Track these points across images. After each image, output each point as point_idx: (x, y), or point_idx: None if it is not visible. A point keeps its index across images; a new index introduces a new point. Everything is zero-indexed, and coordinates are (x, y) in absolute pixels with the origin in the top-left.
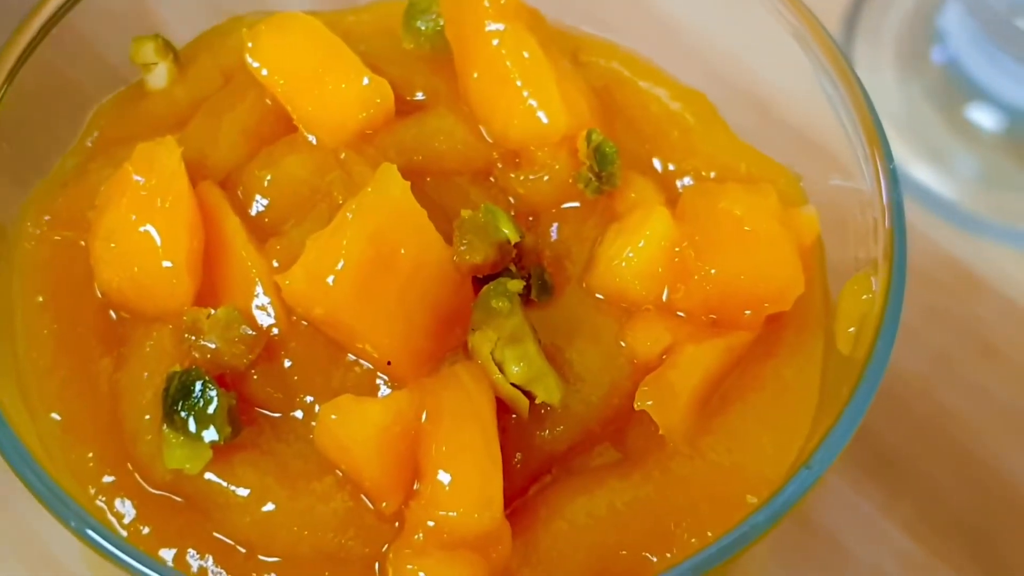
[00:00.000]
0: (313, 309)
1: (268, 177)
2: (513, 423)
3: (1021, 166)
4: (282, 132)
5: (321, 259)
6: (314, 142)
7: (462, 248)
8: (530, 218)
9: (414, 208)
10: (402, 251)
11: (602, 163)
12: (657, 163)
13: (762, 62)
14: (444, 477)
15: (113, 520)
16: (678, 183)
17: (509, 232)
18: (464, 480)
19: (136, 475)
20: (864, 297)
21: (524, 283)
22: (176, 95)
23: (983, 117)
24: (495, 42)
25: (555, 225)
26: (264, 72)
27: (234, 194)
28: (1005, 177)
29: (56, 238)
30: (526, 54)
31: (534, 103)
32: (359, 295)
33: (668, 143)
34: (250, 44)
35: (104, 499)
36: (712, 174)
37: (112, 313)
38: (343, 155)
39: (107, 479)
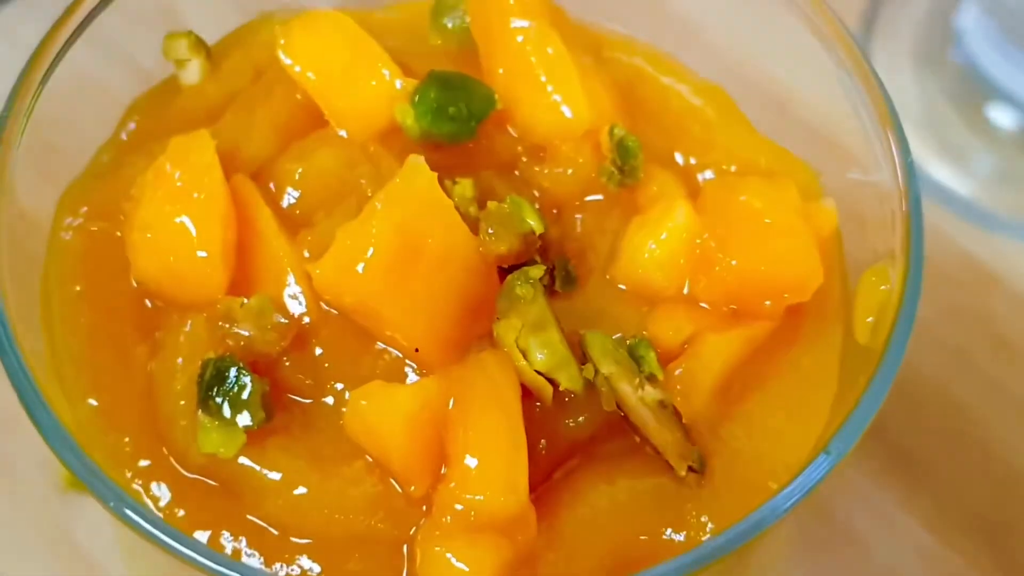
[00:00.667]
0: (343, 297)
1: (299, 170)
2: (538, 410)
3: None
4: (312, 126)
5: (350, 248)
6: (344, 136)
7: (488, 238)
8: (554, 210)
9: (441, 199)
10: (429, 241)
11: (624, 157)
12: (679, 157)
13: (781, 57)
14: (471, 462)
15: (149, 503)
16: (699, 177)
17: (534, 223)
18: (490, 465)
19: (171, 459)
20: (882, 288)
21: (545, 269)
22: (209, 91)
23: (1000, 116)
24: (520, 39)
25: (579, 217)
26: (296, 68)
27: (266, 187)
28: (1021, 175)
29: (93, 229)
30: (550, 50)
31: (558, 98)
32: (387, 283)
33: (689, 137)
34: (283, 41)
35: (140, 483)
36: (733, 168)
37: (147, 302)
38: (372, 149)
39: (143, 463)
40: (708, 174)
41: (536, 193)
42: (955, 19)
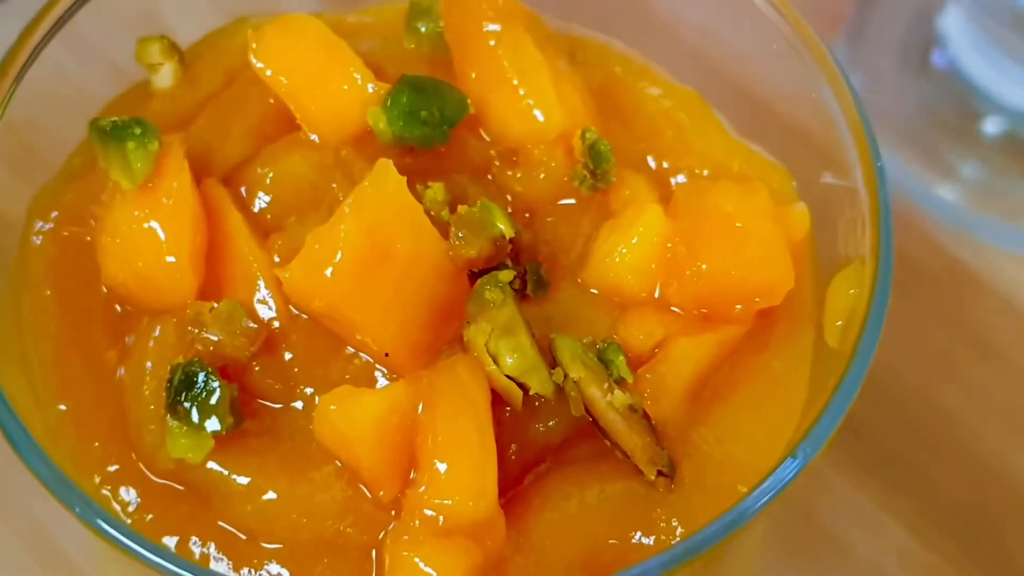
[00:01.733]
0: (312, 302)
1: (271, 174)
2: (508, 415)
3: (1020, 169)
4: (284, 131)
5: (319, 253)
6: (316, 140)
7: (458, 242)
8: (527, 215)
9: (410, 203)
10: (399, 245)
11: (597, 161)
12: (651, 161)
13: (755, 63)
14: (440, 466)
15: (117, 508)
16: (672, 181)
17: (504, 227)
18: (459, 470)
19: (140, 464)
20: (851, 292)
21: (515, 274)
22: (181, 94)
23: (983, 120)
24: (492, 43)
25: (551, 221)
26: (268, 72)
27: (237, 191)
28: (1005, 179)
29: (64, 234)
30: (523, 54)
31: (531, 102)
32: (357, 288)
33: (662, 141)
34: (255, 45)
35: (109, 488)
36: (705, 172)
37: (117, 307)
38: (344, 153)
39: (112, 468)
40: (681, 178)
41: (509, 197)
42: (938, 23)
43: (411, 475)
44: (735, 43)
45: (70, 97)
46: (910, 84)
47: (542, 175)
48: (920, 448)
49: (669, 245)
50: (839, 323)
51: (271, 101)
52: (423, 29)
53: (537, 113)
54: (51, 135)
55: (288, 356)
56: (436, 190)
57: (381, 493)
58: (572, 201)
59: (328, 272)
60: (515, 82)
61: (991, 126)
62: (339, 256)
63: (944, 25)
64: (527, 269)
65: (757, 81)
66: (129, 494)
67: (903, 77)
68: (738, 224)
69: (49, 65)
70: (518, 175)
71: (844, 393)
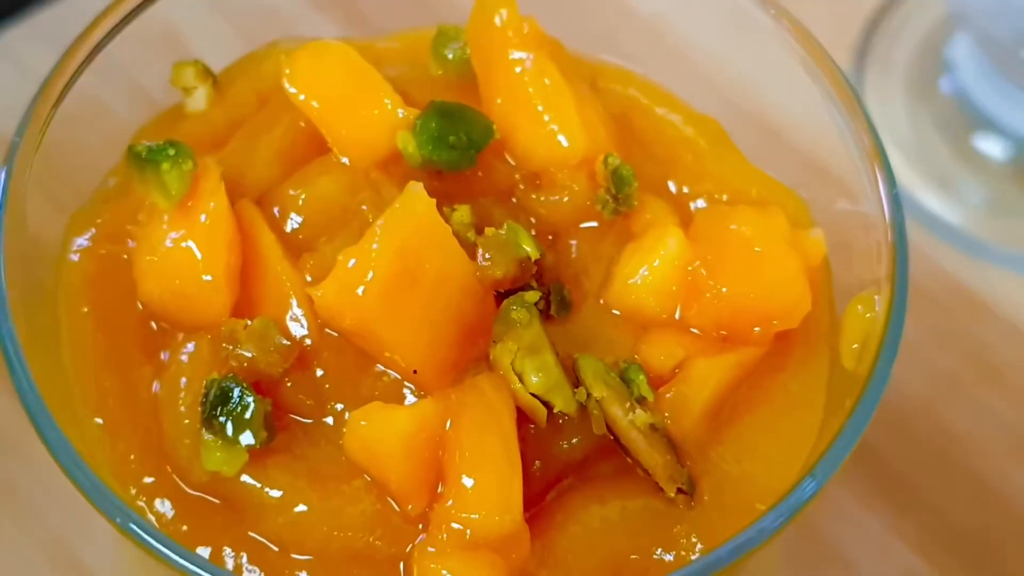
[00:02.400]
0: (343, 320)
1: (302, 196)
2: (532, 432)
3: None
4: (315, 153)
5: (351, 272)
6: (346, 163)
7: (485, 263)
8: (550, 237)
9: (439, 224)
10: (428, 265)
11: (619, 185)
12: (672, 186)
13: (772, 90)
14: (467, 482)
15: (153, 519)
16: (692, 205)
17: (530, 249)
18: (486, 485)
19: (175, 477)
20: (868, 315)
21: (541, 295)
22: (214, 117)
23: (990, 146)
24: (518, 70)
25: (574, 243)
26: (301, 96)
27: (270, 212)
28: (1011, 204)
29: (100, 252)
30: (547, 81)
31: (555, 127)
32: (387, 307)
33: (682, 167)
34: (288, 70)
35: (144, 499)
36: (724, 197)
37: (153, 324)
38: (373, 175)
39: (147, 480)
40: (700, 203)
41: (533, 220)
42: (946, 51)
43: (438, 489)
44: (753, 70)
45: (102, 123)
46: (917, 110)
47: (566, 198)
48: (927, 470)
49: (690, 268)
50: (855, 346)
51: (302, 124)
52: (450, 56)
53: (561, 138)
54: (84, 161)
55: (320, 373)
56: (463, 212)
57: (409, 507)
58: (594, 224)
59: (359, 291)
60: (539, 108)
61: (998, 152)
62: (370, 275)
63: (952, 53)
64: (551, 290)
65: (774, 108)
66: (164, 505)
67: (910, 103)
68: (757, 248)
69: (82, 92)
70: (542, 198)
71: (861, 415)
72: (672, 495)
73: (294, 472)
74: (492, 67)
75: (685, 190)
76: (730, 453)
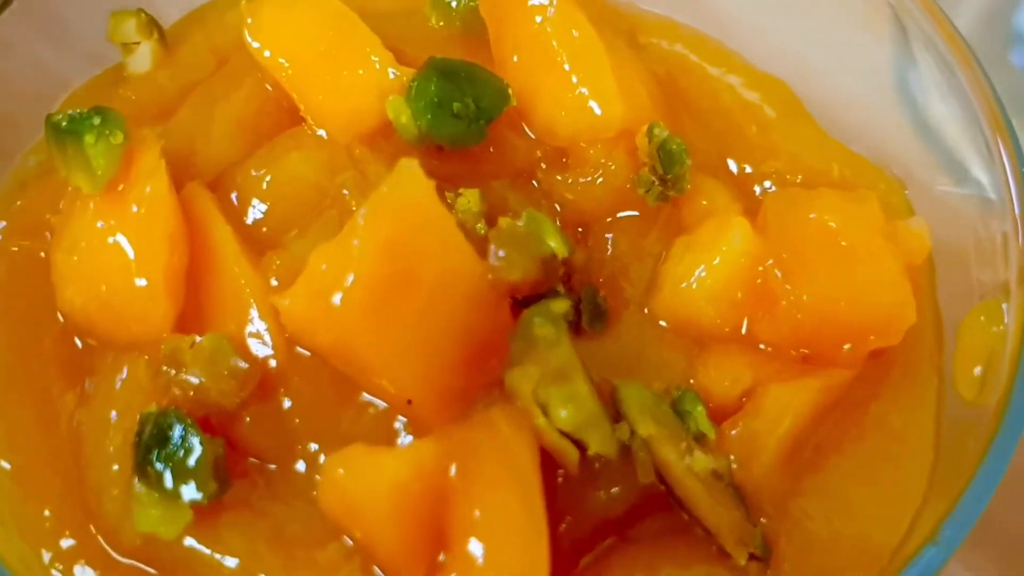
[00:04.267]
0: (318, 336)
1: (268, 177)
2: (560, 481)
3: None
4: (285, 125)
5: (327, 275)
6: (324, 136)
7: (499, 263)
8: (579, 229)
9: (439, 212)
10: (425, 265)
11: (668, 163)
12: (732, 164)
13: (856, 44)
14: (476, 548)
15: None
16: (757, 188)
17: (556, 245)
18: (501, 552)
19: (100, 539)
20: (994, 329)
21: (570, 303)
22: (160, 80)
23: None
24: (539, 19)
25: (609, 237)
26: (266, 53)
27: (226, 198)
28: None
29: (12, 249)
30: (575, 33)
31: (585, 91)
32: (373, 319)
33: (744, 141)
34: (250, 20)
35: (61, 568)
36: (799, 178)
37: (77, 340)
38: (357, 152)
39: (65, 543)
40: (768, 185)
41: (558, 207)
42: (1015, 19)
43: (439, 558)
44: (830, 20)
45: (28, 82)
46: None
47: (599, 180)
48: None
49: (759, 268)
50: (977, 369)
51: (269, 89)
52: (453, 4)
53: (594, 105)
54: (3, 129)
55: (287, 404)
56: (470, 198)
57: None
58: (635, 213)
59: (337, 299)
60: (566, 67)
61: None
62: (351, 279)
63: (1022, 22)
64: (582, 297)
65: (857, 67)
66: None
67: None
68: (844, 243)
69: (2, 43)
70: (569, 180)
71: (995, 460)
72: (743, 563)
73: (253, 534)
74: (506, 17)
75: (748, 170)
76: (816, 507)
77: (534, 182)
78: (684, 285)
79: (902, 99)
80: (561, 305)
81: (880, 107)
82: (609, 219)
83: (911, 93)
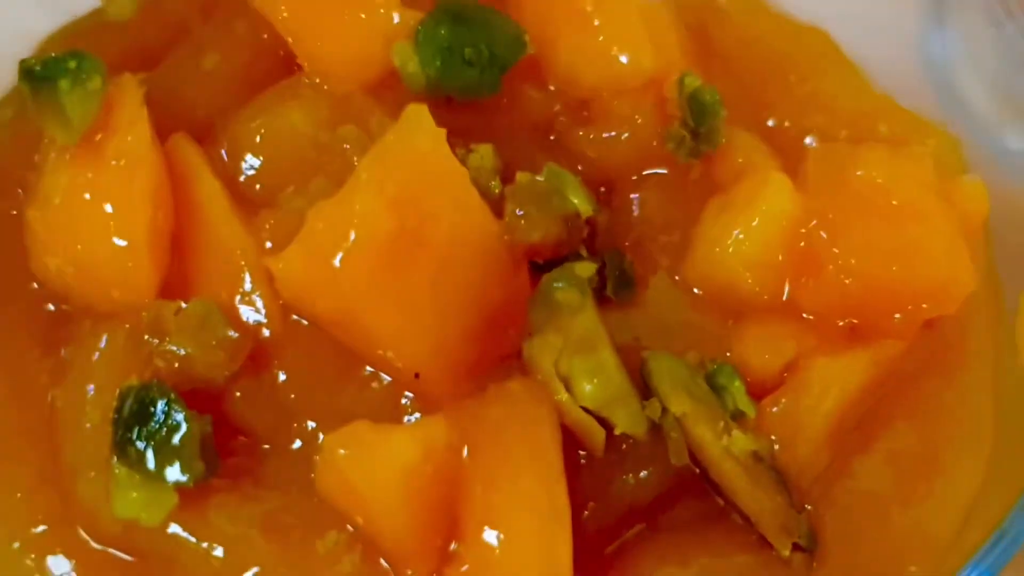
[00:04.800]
0: (316, 302)
1: (261, 131)
2: (584, 462)
3: None
4: (280, 74)
5: (327, 234)
6: (322, 87)
7: (516, 222)
8: (602, 189)
9: (450, 164)
10: (435, 223)
11: (700, 116)
12: (769, 118)
13: None
14: (492, 537)
15: None
16: (796, 144)
17: (579, 203)
18: (520, 541)
19: (76, 525)
20: None
21: (596, 266)
22: (144, 26)
23: None
24: None
25: (636, 198)
26: None
27: (215, 152)
28: None
29: None
30: None
31: (609, 37)
32: (377, 283)
33: (781, 94)
34: None
35: (32, 557)
36: (842, 133)
37: (51, 306)
38: (359, 103)
39: (37, 529)
40: (809, 141)
41: (579, 166)
42: None
43: (451, 547)
44: None
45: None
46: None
47: (624, 135)
48: None
49: (802, 230)
50: None
51: (264, 36)
52: None
53: (618, 52)
54: None
55: (282, 377)
56: (483, 154)
57: (410, 572)
58: (663, 171)
59: (337, 261)
60: (588, 10)
61: None
62: (353, 238)
63: None
64: (606, 261)
65: (906, 9)
66: (60, 566)
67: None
68: (894, 201)
69: None
70: (592, 136)
71: None
72: (786, 553)
73: (244, 520)
74: None
75: (786, 124)
76: (864, 493)
77: (552, 137)
78: (719, 249)
79: (959, 46)
80: (586, 268)
81: (933, 55)
82: (635, 177)
83: (968, 38)
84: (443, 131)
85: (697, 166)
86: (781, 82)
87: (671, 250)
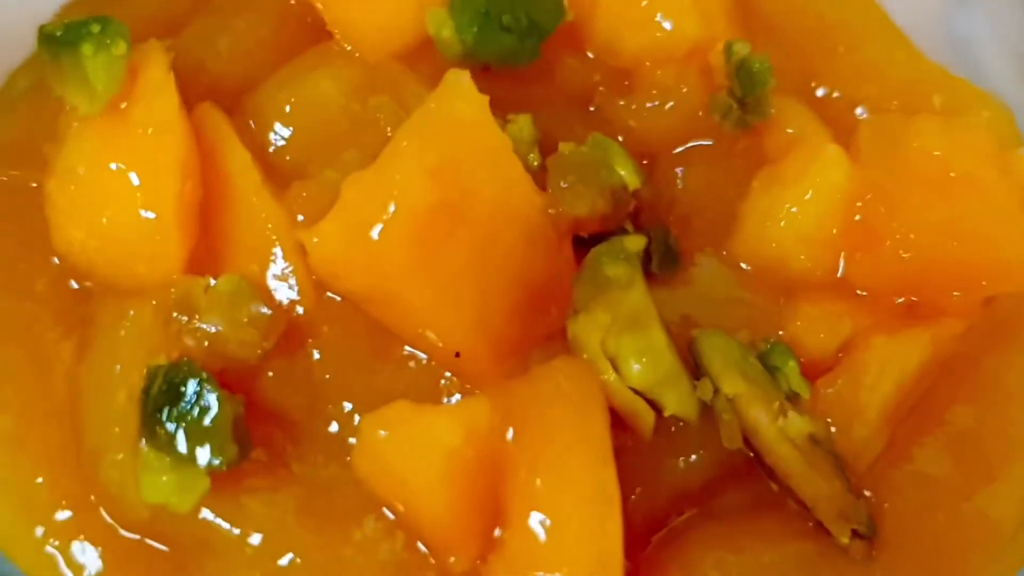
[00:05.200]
0: (352, 278)
1: (291, 100)
2: (631, 446)
3: None
4: (310, 40)
5: (363, 206)
6: (354, 54)
7: (561, 195)
8: (644, 162)
9: (494, 133)
10: (477, 195)
11: (748, 85)
12: (818, 88)
13: None
14: (539, 522)
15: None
16: (846, 115)
17: (627, 174)
18: (568, 526)
19: (102, 510)
20: None
21: (646, 241)
22: None
23: None
24: None
25: (680, 171)
26: None
27: (244, 123)
28: None
29: (2, 179)
30: None
31: (652, 3)
32: (416, 257)
33: (831, 62)
34: None
35: (56, 544)
36: (894, 103)
37: (74, 283)
38: (392, 71)
39: (61, 515)
40: (860, 112)
41: (620, 138)
42: None
43: (495, 533)
44: None
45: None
46: None
47: (668, 105)
48: None
49: (858, 204)
50: None
51: (291, 2)
52: None
53: (661, 19)
54: None
55: (316, 356)
56: (522, 124)
57: (452, 559)
58: (709, 142)
59: (375, 234)
60: None
61: None
62: (391, 210)
63: None
64: (651, 237)
65: None
66: (86, 554)
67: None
68: (952, 174)
69: None
70: (634, 106)
71: None
72: (844, 540)
73: (279, 505)
74: None
75: (836, 94)
76: (924, 476)
77: (592, 108)
78: (770, 223)
79: (1015, 12)
80: (636, 242)
81: (954, 34)
82: (679, 150)
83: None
84: (486, 98)
85: (744, 138)
86: (829, 51)
87: (718, 225)
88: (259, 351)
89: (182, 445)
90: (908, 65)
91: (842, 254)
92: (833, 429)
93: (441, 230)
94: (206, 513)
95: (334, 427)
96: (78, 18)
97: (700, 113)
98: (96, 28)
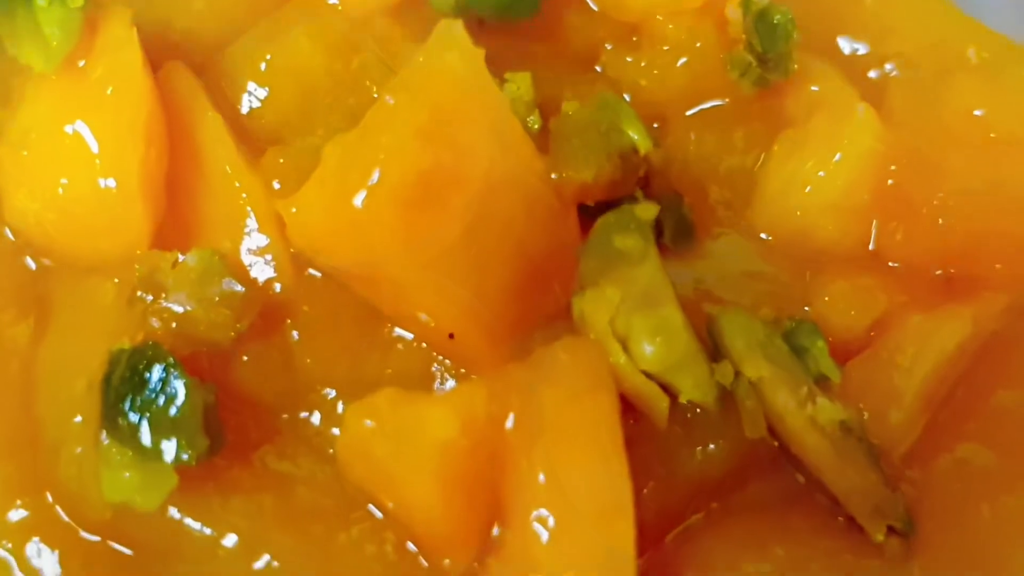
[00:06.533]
0: (334, 251)
1: (267, 57)
2: (643, 433)
3: None
4: None
5: (347, 171)
6: (336, 7)
7: (565, 159)
8: (655, 125)
9: (489, 88)
10: (472, 158)
11: (769, 39)
12: (843, 43)
13: None
14: (542, 521)
15: None
16: (874, 72)
17: (637, 136)
18: (575, 525)
19: (60, 509)
20: None
21: (659, 209)
22: None
23: None
24: None
25: (693, 136)
26: None
27: (215, 83)
28: None
29: None
30: None
31: None
32: (405, 228)
33: (857, 16)
34: None
35: (10, 546)
36: (926, 60)
37: (29, 259)
38: (378, 26)
39: (15, 515)
40: (890, 69)
41: (627, 97)
42: None
43: (493, 532)
44: None
45: None
46: None
47: (680, 63)
48: None
49: (891, 168)
50: None
51: None
52: None
53: None
54: None
55: (295, 337)
56: (519, 83)
57: (446, 561)
58: (724, 102)
59: (358, 201)
60: None
61: None
62: (377, 175)
63: None
64: (663, 205)
65: None
66: (43, 557)
67: None
68: (993, 134)
69: None
70: (642, 64)
71: None
72: (880, 537)
73: (255, 504)
74: None
75: (861, 51)
76: (964, 468)
77: (597, 68)
78: (793, 190)
79: None
80: (648, 210)
81: None
82: (693, 111)
83: None
84: (481, 51)
85: (763, 98)
86: (855, 4)
87: (736, 192)
88: (232, 333)
89: (146, 437)
90: (940, 18)
91: (874, 223)
92: (866, 416)
93: (432, 198)
94: (174, 512)
95: (316, 417)
96: None
97: (716, 69)
98: None
